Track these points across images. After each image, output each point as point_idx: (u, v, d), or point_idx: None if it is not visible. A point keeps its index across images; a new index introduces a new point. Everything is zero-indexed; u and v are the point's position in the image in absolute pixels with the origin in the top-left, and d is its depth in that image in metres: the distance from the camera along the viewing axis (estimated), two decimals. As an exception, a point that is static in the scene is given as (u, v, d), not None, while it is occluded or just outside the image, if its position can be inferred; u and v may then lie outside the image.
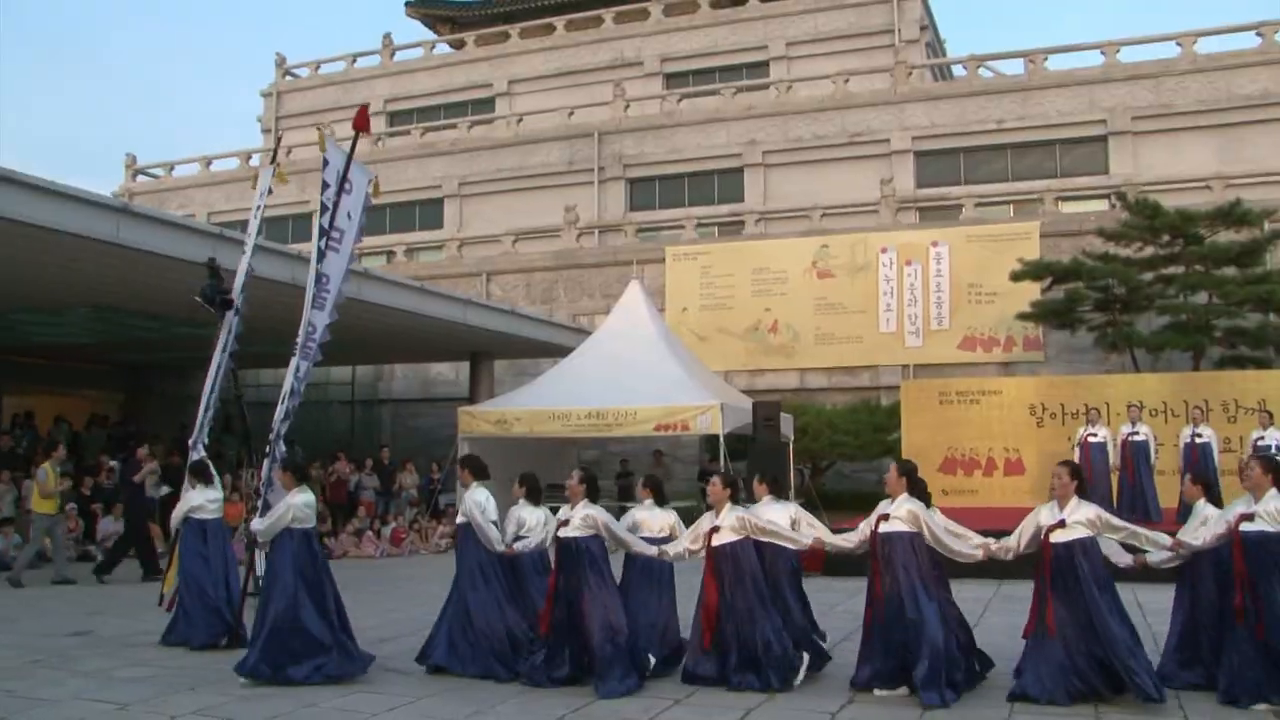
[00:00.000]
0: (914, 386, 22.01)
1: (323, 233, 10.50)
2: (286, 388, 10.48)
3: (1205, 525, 7.89)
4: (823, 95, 32.66)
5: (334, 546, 19.63)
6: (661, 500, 9.29)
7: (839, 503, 21.61)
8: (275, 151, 14.20)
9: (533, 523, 8.88)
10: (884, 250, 27.03)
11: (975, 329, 26.14)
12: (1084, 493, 7.83)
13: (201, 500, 10.92)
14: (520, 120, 36.48)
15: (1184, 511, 8.93)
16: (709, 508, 8.68)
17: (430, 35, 45.87)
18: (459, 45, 42.67)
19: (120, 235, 13.14)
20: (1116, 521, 7.80)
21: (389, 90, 41.70)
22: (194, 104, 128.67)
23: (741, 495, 8.87)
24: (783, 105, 33.00)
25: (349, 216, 10.73)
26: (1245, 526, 7.48)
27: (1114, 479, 17.02)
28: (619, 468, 23.31)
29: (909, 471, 8.34)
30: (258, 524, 9.07)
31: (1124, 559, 7.97)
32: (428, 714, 7.59)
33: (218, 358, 11.23)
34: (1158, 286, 21.94)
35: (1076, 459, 17.06)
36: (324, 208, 10.49)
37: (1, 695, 8.17)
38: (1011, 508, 17.02)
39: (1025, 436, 19.97)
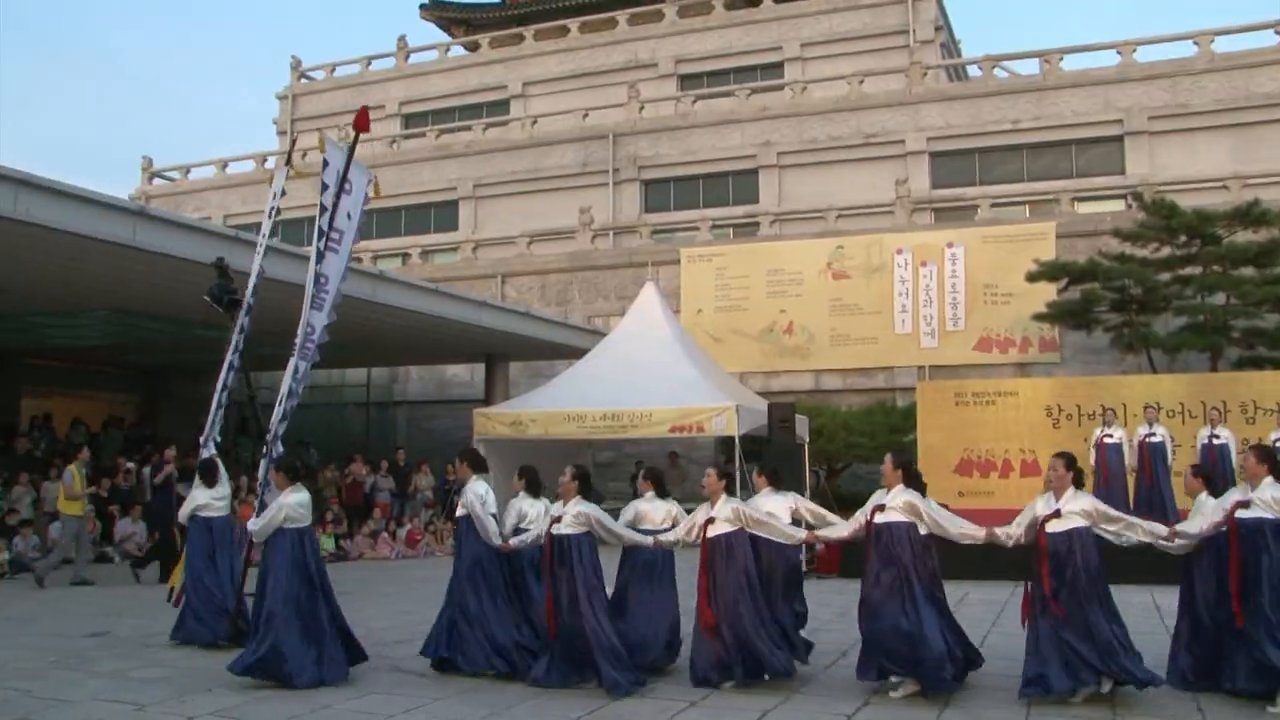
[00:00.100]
0: (929, 388, 21.96)
1: (321, 233, 10.51)
2: (284, 389, 10.52)
3: (1212, 509, 7.98)
4: (837, 96, 32.60)
5: (350, 548, 19.70)
6: (663, 492, 9.36)
7: (854, 504, 21.21)
8: (290, 154, 14.24)
9: (534, 515, 8.94)
10: (899, 251, 26.97)
11: (991, 330, 26.05)
12: (1080, 484, 7.89)
13: (207, 499, 10.98)
14: (535, 122, 36.50)
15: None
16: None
17: (445, 37, 45.94)
18: (473, 47, 42.72)
19: (137, 238, 13.20)
20: (1112, 512, 7.87)
21: (404, 92, 41.79)
22: (210, 107, 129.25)
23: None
24: (797, 106, 32.95)
25: (348, 217, 10.74)
26: (1241, 513, 7.64)
27: (1130, 480, 16.95)
28: (634, 469, 23.28)
29: (904, 463, 8.39)
30: (253, 524, 9.12)
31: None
32: (441, 716, 7.61)
33: (229, 357, 11.28)
34: (1175, 287, 21.84)
35: (1092, 460, 17.06)
36: (323, 208, 10.51)
37: (20, 695, 8.23)
38: (1028, 509, 16.99)
39: (1041, 438, 19.87)
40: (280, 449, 10.34)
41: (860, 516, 8.32)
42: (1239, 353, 21.76)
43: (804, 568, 14.94)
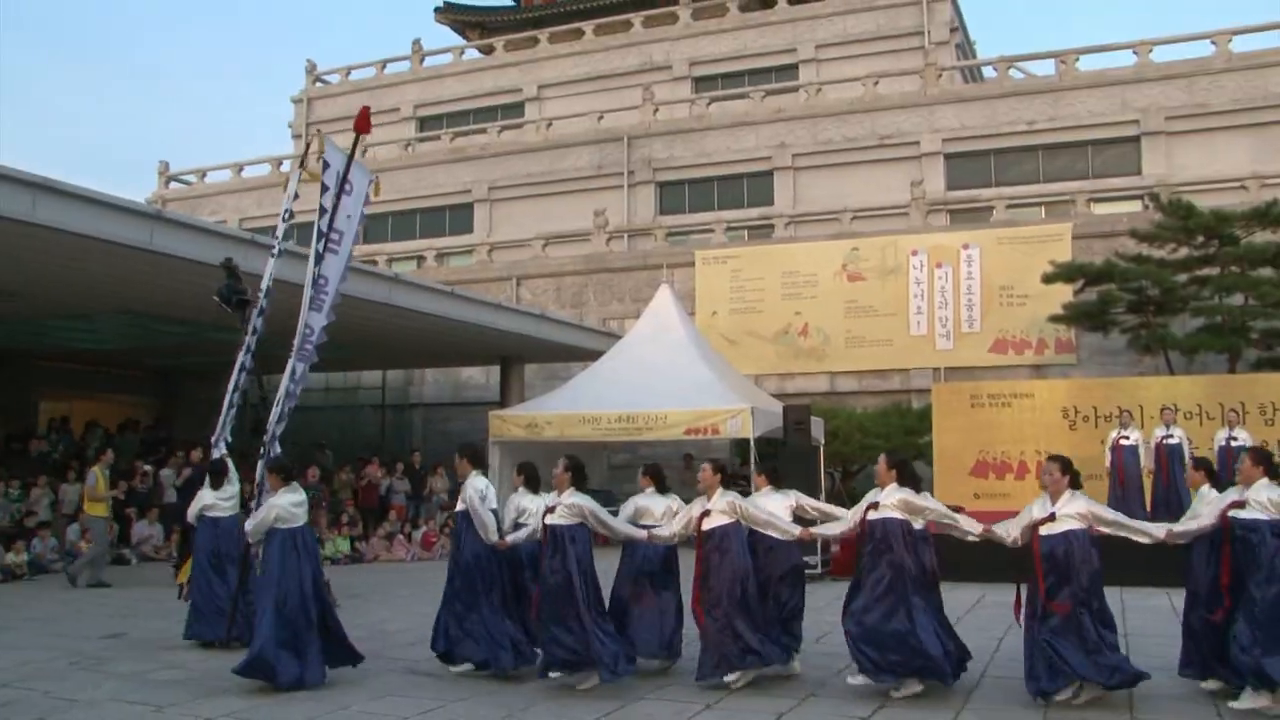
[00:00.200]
0: (945, 389, 21.89)
1: (320, 235, 10.53)
2: (282, 390, 10.53)
3: (1210, 506, 7.98)
4: (852, 98, 32.56)
5: (365, 550, 19.73)
6: (663, 488, 9.38)
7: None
8: (304, 157, 14.28)
9: (533, 510, 8.93)
10: (914, 253, 26.91)
11: (1007, 331, 25.97)
12: (1077, 486, 7.87)
13: (213, 499, 11.03)
14: (550, 125, 36.55)
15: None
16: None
17: (460, 41, 46.04)
18: (488, 50, 42.80)
19: (154, 241, 13.25)
20: (1108, 515, 7.85)
21: (419, 96, 41.89)
22: (226, 111, 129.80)
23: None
24: (812, 108, 32.92)
25: (349, 218, 10.76)
26: (1236, 513, 7.65)
27: (1147, 482, 16.88)
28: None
29: (899, 463, 8.40)
30: (248, 524, 9.16)
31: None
32: (459, 717, 7.62)
33: (240, 358, 11.31)
34: (1192, 288, 21.75)
35: (1108, 462, 17.01)
36: (322, 210, 10.52)
37: (39, 696, 8.27)
38: (1044, 511, 16.93)
39: (1058, 440, 19.76)
40: (277, 450, 10.37)
41: (854, 514, 8.34)
42: (1257, 354, 21.65)
43: (820, 570, 14.97)
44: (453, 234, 36.58)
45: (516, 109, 39.95)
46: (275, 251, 11.41)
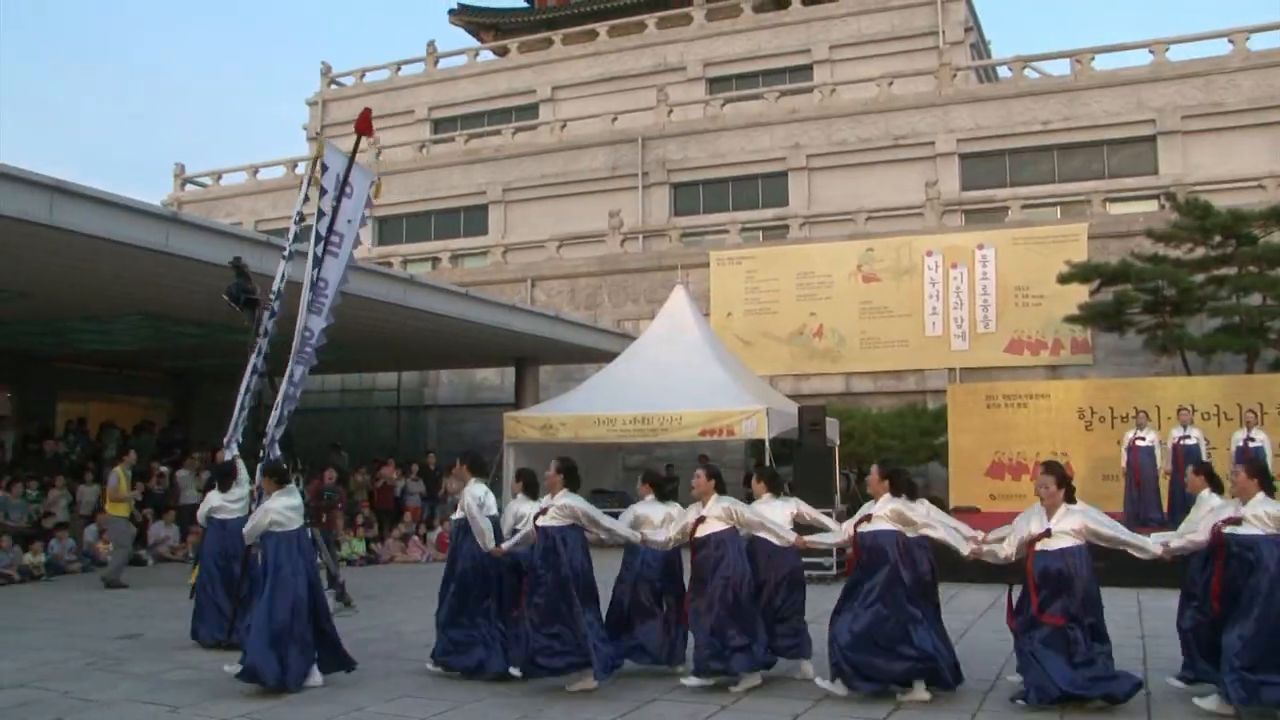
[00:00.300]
0: (960, 390, 21.85)
1: (319, 238, 10.52)
2: (281, 394, 10.52)
3: (1208, 514, 7.89)
4: (866, 98, 32.51)
5: (381, 551, 19.77)
6: (662, 495, 9.33)
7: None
8: (318, 159, 14.28)
9: (530, 516, 8.85)
10: (929, 253, 26.85)
11: (1022, 332, 25.88)
12: (1072, 499, 7.75)
13: (221, 501, 11.06)
14: (564, 126, 36.58)
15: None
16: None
17: (474, 42, 46.13)
18: (503, 52, 42.86)
19: (170, 244, 13.30)
20: (1105, 529, 7.68)
21: (433, 98, 41.97)
22: (241, 114, 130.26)
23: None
24: (826, 109, 32.88)
25: (349, 221, 10.75)
26: (1231, 530, 7.53)
27: (1164, 483, 16.79)
28: (664, 472, 23.24)
29: (891, 473, 8.35)
30: (245, 527, 9.21)
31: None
32: (474, 719, 7.62)
33: (252, 360, 11.33)
34: (1209, 288, 21.65)
35: (1124, 463, 16.93)
36: (320, 213, 10.51)
37: (57, 696, 8.32)
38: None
39: (1074, 440, 19.75)
40: (276, 453, 10.38)
41: (848, 526, 8.30)
42: (1275, 354, 21.55)
43: (835, 571, 14.93)
44: (467, 235, 36.66)
45: (531, 110, 40.00)
46: (286, 254, 11.44)
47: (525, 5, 46.75)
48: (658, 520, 8.99)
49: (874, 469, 8.48)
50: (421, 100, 41.85)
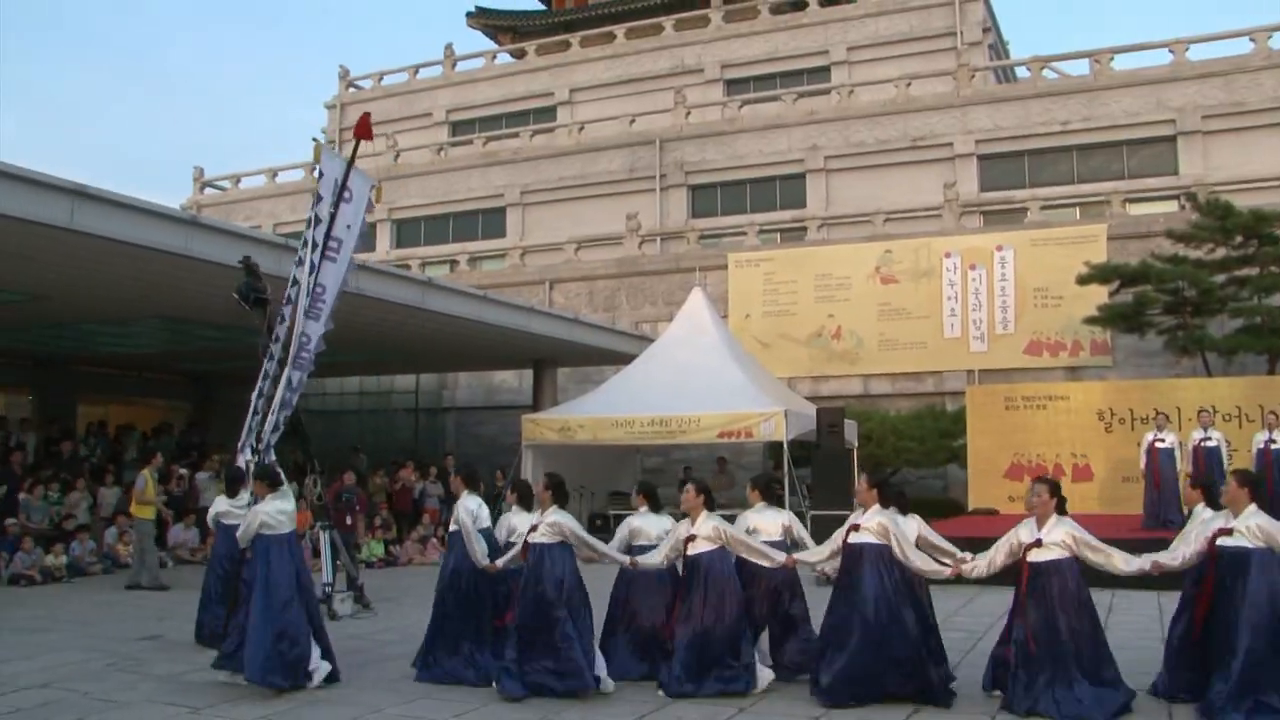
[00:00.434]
0: (979, 392, 21.79)
1: (315, 245, 10.51)
2: (278, 399, 10.53)
3: (1200, 528, 7.82)
4: (884, 99, 32.45)
5: (399, 553, 19.81)
6: (656, 506, 9.30)
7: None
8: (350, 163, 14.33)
9: (523, 529, 8.79)
10: (948, 255, 26.76)
11: (1041, 333, 25.77)
12: (1063, 510, 7.72)
13: (227, 506, 11.11)
14: (582, 128, 36.61)
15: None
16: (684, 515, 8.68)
17: (491, 45, 46.24)
18: (520, 55, 42.93)
19: (189, 247, 13.35)
20: (1094, 542, 7.61)
21: (451, 100, 42.06)
22: (260, 117, 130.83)
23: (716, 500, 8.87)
24: (844, 110, 32.83)
25: (348, 226, 10.74)
26: (1222, 541, 7.45)
27: (1183, 485, 16.69)
28: (681, 474, 23.23)
29: (880, 483, 8.29)
30: (238, 531, 9.25)
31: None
32: (491, 720, 7.64)
33: (265, 364, 11.36)
34: (1230, 289, 21.53)
35: (1143, 465, 16.85)
36: (317, 219, 10.51)
37: (78, 697, 8.36)
38: (1079, 515, 16.75)
39: (1093, 442, 19.68)
40: (272, 457, 10.39)
41: (837, 538, 8.21)
42: (1298, 355, 21.39)
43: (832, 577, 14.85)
44: (485, 238, 36.70)
45: (548, 113, 40.05)
46: (298, 259, 11.48)
47: (542, 8, 46.84)
48: (653, 534, 8.94)
49: (863, 477, 8.43)
50: (439, 103, 41.95)
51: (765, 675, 8.42)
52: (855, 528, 8.05)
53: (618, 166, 35.05)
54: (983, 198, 30.56)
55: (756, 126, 33.68)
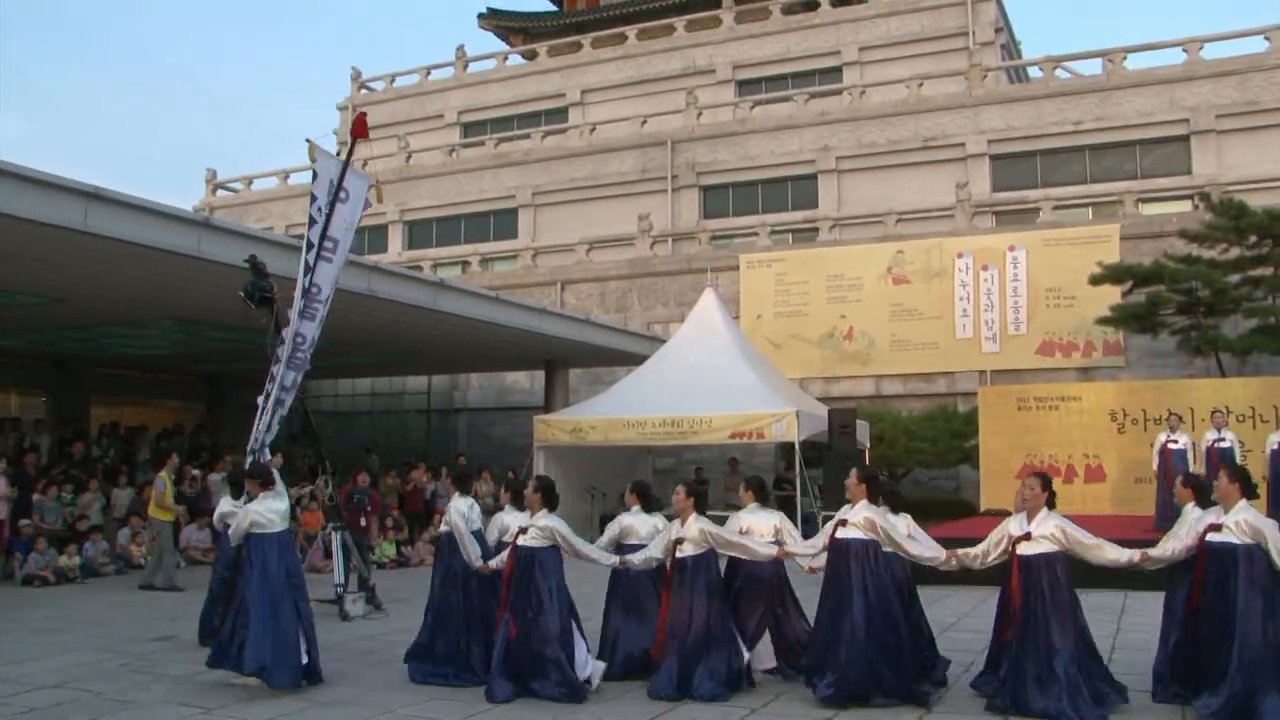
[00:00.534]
0: (992, 392, 21.74)
1: (311, 245, 10.50)
2: (271, 399, 10.53)
3: (1190, 525, 7.81)
4: (896, 100, 32.40)
5: (411, 554, 19.83)
6: (649, 506, 9.28)
7: (916, 510, 21.25)
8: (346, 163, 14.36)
9: (514, 529, 8.74)
10: (960, 255, 26.72)
11: (1054, 334, 25.71)
12: (1053, 505, 7.71)
13: (230, 508, 11.12)
14: (593, 129, 36.63)
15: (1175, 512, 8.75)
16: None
17: (503, 46, 46.28)
18: (531, 56, 42.99)
19: (202, 249, 13.39)
20: (1082, 536, 7.60)
21: (462, 102, 42.13)
22: (272, 119, 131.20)
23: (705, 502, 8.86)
24: (856, 110, 32.79)
25: (346, 226, 10.73)
26: (1212, 537, 7.43)
27: (1178, 484, 16.62)
28: (694, 475, 23.24)
29: (869, 478, 8.31)
30: (230, 530, 9.29)
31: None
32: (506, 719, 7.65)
33: (272, 368, 11.38)
34: (1244, 289, 21.45)
35: (1155, 466, 16.77)
36: (312, 220, 10.51)
37: (92, 697, 8.39)
38: (1092, 515, 16.73)
39: (1106, 443, 19.61)
40: (267, 457, 10.41)
41: (826, 532, 8.21)
42: (1312, 355, 21.30)
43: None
44: (497, 239, 36.75)
45: (560, 114, 40.09)
46: (315, 259, 11.50)
47: (554, 9, 46.88)
48: (643, 532, 8.94)
49: (853, 471, 8.41)
50: (451, 104, 42.02)
51: (759, 669, 8.45)
52: (843, 523, 8.06)
53: (629, 167, 35.06)
54: (995, 198, 30.51)
55: (768, 127, 33.65)
